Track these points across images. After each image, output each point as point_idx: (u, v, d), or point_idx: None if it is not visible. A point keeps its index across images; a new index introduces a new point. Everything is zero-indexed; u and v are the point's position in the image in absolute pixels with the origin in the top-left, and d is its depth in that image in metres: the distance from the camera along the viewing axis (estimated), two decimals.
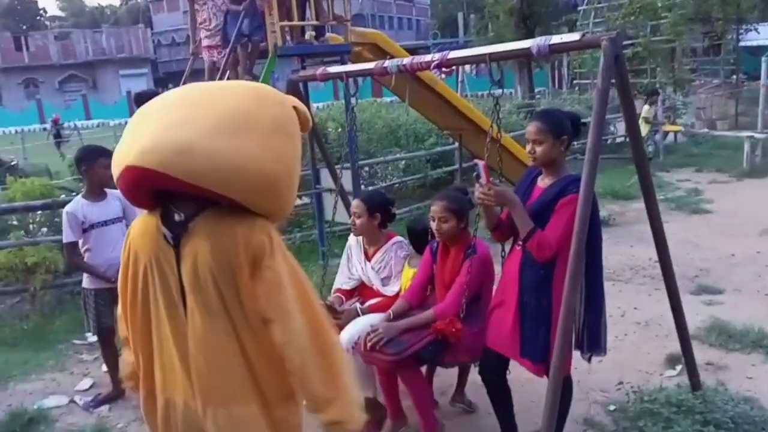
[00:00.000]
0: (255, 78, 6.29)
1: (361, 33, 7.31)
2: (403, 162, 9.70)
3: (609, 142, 13.53)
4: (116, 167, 1.78)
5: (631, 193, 8.80)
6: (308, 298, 1.88)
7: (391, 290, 3.53)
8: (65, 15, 67.68)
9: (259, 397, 1.88)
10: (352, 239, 3.75)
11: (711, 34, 21.30)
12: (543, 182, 2.89)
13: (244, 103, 1.81)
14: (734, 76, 21.36)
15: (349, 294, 3.72)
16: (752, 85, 22.23)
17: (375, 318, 3.26)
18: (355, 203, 3.57)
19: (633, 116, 3.13)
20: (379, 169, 9.68)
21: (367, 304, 3.53)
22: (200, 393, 1.86)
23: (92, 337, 4.79)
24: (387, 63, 3.51)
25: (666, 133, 13.21)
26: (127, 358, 2.12)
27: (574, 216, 2.60)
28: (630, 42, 15.37)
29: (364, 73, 3.99)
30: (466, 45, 28.09)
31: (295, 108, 1.91)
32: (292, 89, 4.32)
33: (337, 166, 4.47)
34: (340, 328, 3.32)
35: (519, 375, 3.09)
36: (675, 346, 3.59)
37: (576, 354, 2.94)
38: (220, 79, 6.11)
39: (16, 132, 27.96)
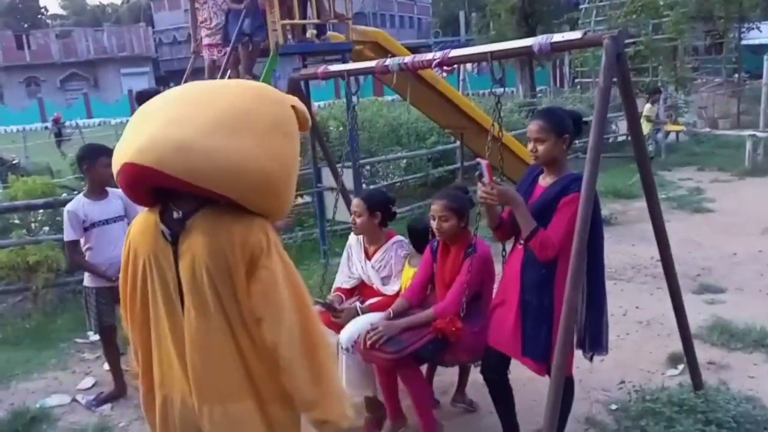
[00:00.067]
0: (255, 77, 6.29)
1: (362, 31, 7.30)
2: (405, 161, 9.70)
3: (611, 140, 13.51)
4: (116, 164, 1.79)
5: (633, 192, 8.79)
6: (302, 298, 1.89)
7: (391, 289, 3.52)
8: (67, 13, 67.70)
9: (255, 395, 1.89)
10: (352, 238, 3.74)
11: (713, 32, 21.27)
12: (544, 181, 2.89)
13: (243, 102, 1.82)
14: (736, 75, 21.31)
15: (349, 293, 3.72)
16: (754, 84, 22.18)
17: (375, 317, 3.26)
18: (355, 202, 3.57)
19: (635, 115, 3.12)
20: (380, 168, 9.68)
21: (367, 303, 3.53)
22: (196, 390, 1.87)
23: (94, 336, 4.80)
24: (388, 61, 3.50)
25: (668, 132, 13.19)
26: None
27: (576, 215, 2.60)
28: (632, 40, 15.34)
29: (365, 72, 3.98)
30: (467, 43, 28.03)
31: (293, 107, 1.91)
32: (294, 88, 4.31)
33: (338, 165, 4.46)
34: (340, 326, 3.32)
35: (520, 374, 3.09)
36: (677, 346, 3.58)
37: (578, 353, 2.94)
38: (221, 77, 6.11)
39: (18, 131, 27.98)
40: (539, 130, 2.79)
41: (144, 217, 1.93)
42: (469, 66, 26.96)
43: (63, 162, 11.84)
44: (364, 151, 8.98)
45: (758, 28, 21.50)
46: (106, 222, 3.93)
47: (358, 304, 3.51)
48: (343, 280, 3.75)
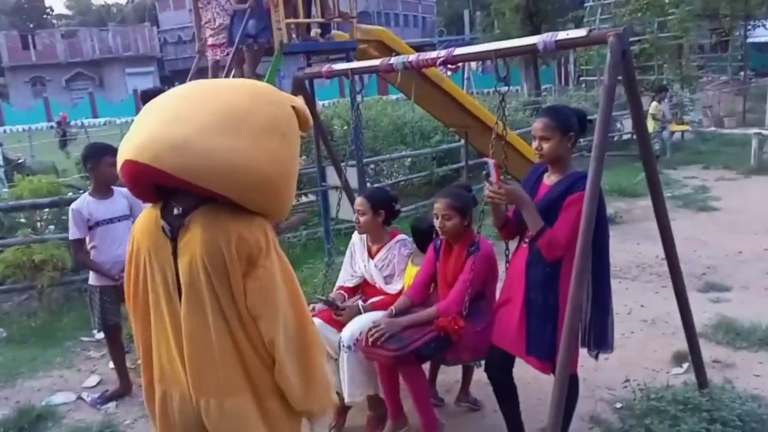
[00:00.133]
0: (260, 76, 6.29)
1: (366, 30, 7.30)
2: (409, 159, 9.69)
3: (615, 139, 13.49)
4: (118, 161, 1.82)
5: (638, 191, 8.78)
6: (298, 298, 1.92)
7: (393, 288, 3.52)
8: (72, 13, 67.86)
9: (252, 389, 1.91)
10: (355, 236, 3.74)
11: (718, 30, 21.22)
12: (549, 179, 2.88)
13: (240, 101, 1.83)
14: (742, 73, 21.25)
15: (352, 291, 3.72)
16: (760, 82, 22.13)
17: (377, 315, 3.25)
18: (358, 201, 3.56)
19: (640, 113, 3.11)
20: (384, 167, 9.67)
21: (369, 301, 3.52)
22: (194, 385, 1.89)
23: (99, 334, 4.81)
24: (393, 60, 3.50)
25: (673, 131, 13.15)
26: None
27: (581, 213, 2.59)
28: (637, 38, 15.31)
29: (369, 71, 3.98)
30: (471, 42, 28.03)
31: (294, 108, 1.92)
32: (298, 86, 4.32)
33: (342, 164, 4.46)
34: (342, 324, 3.32)
35: (524, 373, 3.09)
36: (682, 344, 3.57)
37: (582, 351, 2.94)
38: (225, 77, 6.12)
39: (24, 130, 28.08)
40: (544, 128, 2.78)
41: (147, 214, 1.96)
42: (473, 64, 26.98)
43: (68, 161, 11.89)
44: (369, 149, 8.97)
45: (764, 25, 21.45)
46: (111, 221, 3.95)
47: (360, 302, 3.51)
48: (345, 278, 3.75)
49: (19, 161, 13.32)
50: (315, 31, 6.76)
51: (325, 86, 28.98)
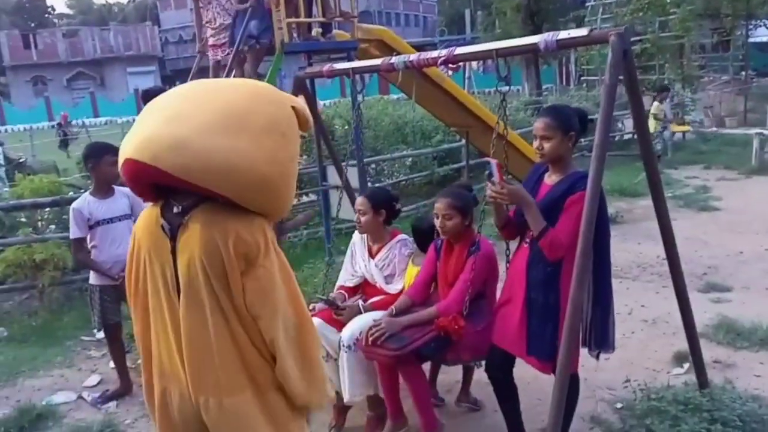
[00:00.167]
0: (261, 76, 6.29)
1: (367, 30, 7.30)
2: (410, 159, 9.69)
3: (617, 138, 13.48)
4: (119, 159, 1.83)
5: (639, 191, 8.77)
6: (296, 297, 1.94)
7: (394, 288, 3.51)
8: (73, 13, 67.86)
9: (253, 385, 1.92)
10: (356, 236, 3.74)
11: (720, 30, 21.21)
12: (550, 179, 2.88)
13: (240, 101, 1.84)
14: (743, 73, 21.23)
15: (352, 291, 3.71)
16: (761, 82, 22.14)
17: (377, 315, 3.25)
18: (359, 200, 3.56)
19: (641, 113, 3.11)
20: (385, 167, 9.67)
21: (369, 301, 3.52)
22: (192, 383, 1.90)
23: (100, 334, 4.81)
24: (394, 59, 3.50)
25: (674, 132, 13.14)
26: None
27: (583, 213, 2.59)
28: (638, 38, 15.29)
29: (370, 70, 3.98)
30: (473, 42, 28.01)
31: (294, 108, 1.92)
32: (299, 86, 4.31)
33: (343, 164, 4.46)
34: (342, 324, 3.32)
35: (525, 372, 3.09)
36: (682, 344, 3.57)
37: (582, 351, 2.93)
38: (226, 77, 6.12)
39: (25, 129, 28.12)
40: (545, 127, 2.78)
41: (147, 212, 1.97)
42: (474, 64, 26.99)
43: (69, 160, 11.90)
44: (370, 149, 8.97)
45: (765, 25, 21.43)
46: (111, 220, 3.95)
47: (360, 302, 3.51)
48: (346, 278, 3.74)
49: (20, 160, 13.31)
50: (316, 31, 6.77)
51: (326, 86, 28.98)
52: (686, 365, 3.89)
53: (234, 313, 1.86)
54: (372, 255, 3.61)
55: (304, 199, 8.29)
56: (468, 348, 3.10)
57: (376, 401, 3.39)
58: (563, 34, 2.73)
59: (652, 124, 11.36)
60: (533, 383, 3.43)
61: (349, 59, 6.34)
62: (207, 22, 6.70)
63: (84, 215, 3.90)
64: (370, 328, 3.07)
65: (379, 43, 7.21)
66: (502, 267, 3.23)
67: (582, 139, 3.00)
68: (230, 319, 1.86)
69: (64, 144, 21.67)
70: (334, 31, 7.10)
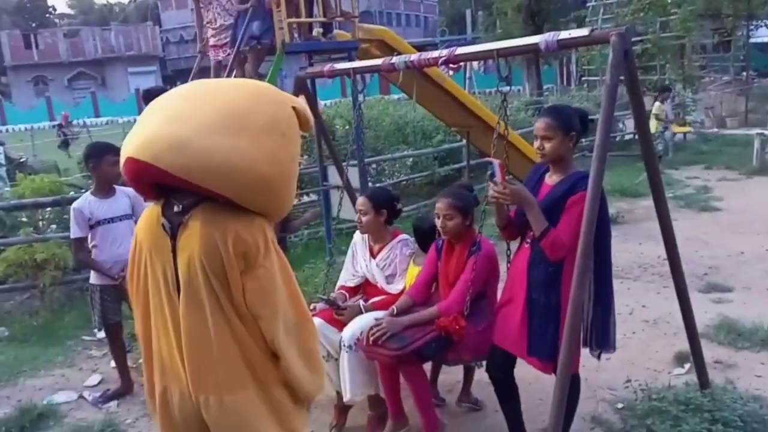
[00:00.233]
0: (262, 76, 6.29)
1: (368, 30, 7.30)
2: (411, 159, 9.69)
3: (617, 139, 13.47)
4: (121, 158, 1.84)
5: (640, 191, 8.77)
6: (297, 295, 1.96)
7: (395, 288, 3.51)
8: (74, 13, 67.90)
9: (256, 381, 1.93)
10: (357, 236, 3.74)
11: (721, 30, 21.19)
12: (551, 179, 2.88)
13: (240, 101, 1.84)
14: (744, 73, 21.21)
15: (353, 291, 3.71)
16: (762, 82, 22.12)
17: (378, 315, 3.25)
18: (360, 201, 3.55)
19: (642, 113, 3.11)
20: (386, 167, 9.67)
21: (370, 301, 3.52)
22: (192, 381, 1.90)
23: (101, 333, 4.81)
24: (395, 59, 3.50)
25: (675, 132, 13.13)
26: None
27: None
28: (639, 38, 15.29)
29: (371, 70, 3.98)
30: (473, 42, 28.01)
31: (294, 108, 1.93)
32: (300, 86, 4.31)
33: (344, 163, 4.46)
34: (343, 324, 3.32)
35: (526, 373, 3.09)
36: (683, 344, 3.57)
37: (583, 352, 2.93)
38: (227, 77, 6.12)
39: (26, 129, 28.12)
40: (546, 127, 2.78)
41: (149, 211, 1.98)
42: (475, 64, 26.98)
43: (70, 160, 11.90)
44: (370, 149, 8.98)
45: (767, 25, 21.38)
46: (111, 220, 3.95)
47: (361, 302, 3.51)
48: (347, 278, 3.74)
49: (21, 160, 13.32)
50: (317, 31, 6.76)
51: (326, 86, 28.98)
52: (687, 365, 3.89)
53: (234, 312, 1.86)
54: (373, 255, 3.61)
55: (305, 199, 8.29)
56: (469, 348, 3.10)
57: (377, 401, 3.39)
58: (564, 34, 2.73)
59: (653, 125, 11.35)
60: (534, 383, 3.43)
61: (350, 59, 6.34)
62: (208, 23, 6.70)
63: (85, 215, 3.90)
64: (371, 328, 3.07)
65: (380, 43, 7.21)
66: (503, 267, 3.23)
67: (583, 140, 3.00)
68: (230, 318, 1.87)
69: (64, 144, 21.68)
70: (335, 31, 7.09)
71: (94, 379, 4.45)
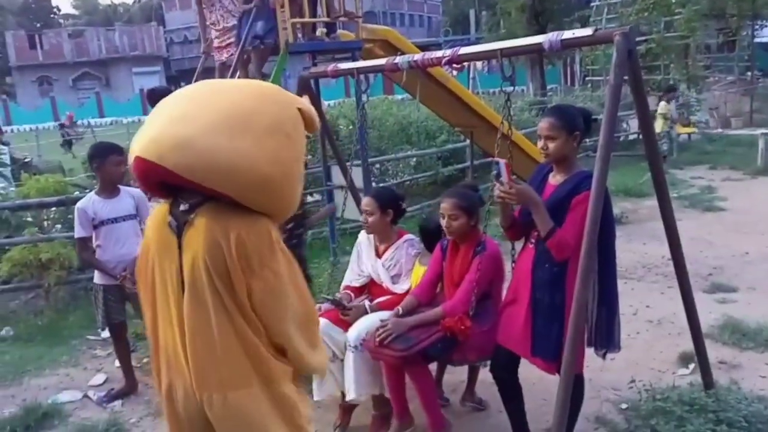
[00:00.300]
0: (266, 76, 6.30)
1: (372, 30, 7.30)
2: (414, 159, 9.69)
3: (621, 139, 13.44)
4: (130, 157, 1.86)
5: (644, 191, 8.76)
6: (303, 290, 1.98)
7: (400, 288, 3.51)
8: (79, 13, 68.05)
9: (260, 378, 1.93)
10: (362, 236, 3.73)
11: (725, 30, 21.13)
12: (555, 179, 2.88)
13: (244, 101, 1.85)
14: (749, 73, 21.15)
15: (359, 291, 3.71)
16: (767, 82, 22.02)
17: (384, 315, 3.25)
18: (366, 201, 3.55)
19: (646, 113, 3.10)
20: (390, 167, 9.67)
21: (376, 301, 3.52)
22: (196, 379, 1.91)
23: (105, 333, 4.82)
24: (398, 59, 3.50)
25: (679, 133, 13.11)
26: None
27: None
28: (643, 38, 15.27)
29: (375, 70, 3.98)
30: (477, 42, 27.98)
31: (300, 110, 1.93)
32: (304, 86, 4.32)
33: (347, 163, 4.46)
34: (348, 324, 3.32)
35: (530, 373, 3.08)
36: (688, 345, 3.56)
37: (588, 352, 2.93)
38: (231, 77, 6.13)
39: (31, 129, 28.19)
40: (550, 127, 2.78)
41: (158, 210, 2.00)
42: (479, 64, 26.96)
43: (75, 160, 11.92)
44: (374, 149, 8.98)
45: None
46: (115, 220, 3.95)
47: (367, 302, 3.51)
48: (352, 278, 3.74)
49: (26, 160, 13.33)
50: (320, 31, 6.77)
51: (330, 86, 29.00)
52: (691, 366, 3.88)
53: (238, 311, 1.87)
54: (379, 255, 3.61)
55: (309, 199, 8.29)
56: (474, 348, 3.10)
57: (381, 401, 3.39)
58: (568, 34, 2.73)
59: (659, 124, 11.34)
60: (538, 383, 3.42)
61: (354, 59, 6.34)
62: (211, 24, 6.72)
63: (88, 215, 3.91)
64: (377, 329, 3.07)
65: (384, 43, 7.21)
66: (507, 267, 3.23)
67: (587, 140, 2.99)
68: (234, 317, 1.87)
69: (67, 144, 21.72)
70: (339, 32, 7.10)
71: (99, 378, 4.46)
